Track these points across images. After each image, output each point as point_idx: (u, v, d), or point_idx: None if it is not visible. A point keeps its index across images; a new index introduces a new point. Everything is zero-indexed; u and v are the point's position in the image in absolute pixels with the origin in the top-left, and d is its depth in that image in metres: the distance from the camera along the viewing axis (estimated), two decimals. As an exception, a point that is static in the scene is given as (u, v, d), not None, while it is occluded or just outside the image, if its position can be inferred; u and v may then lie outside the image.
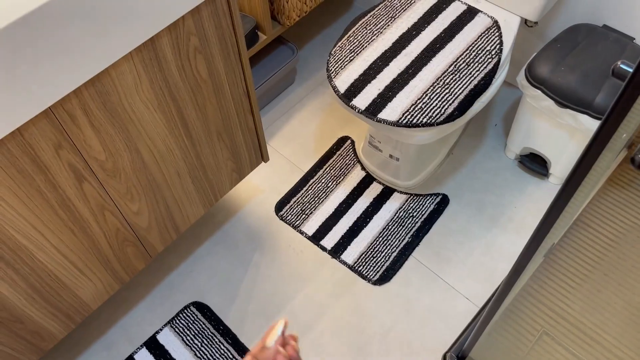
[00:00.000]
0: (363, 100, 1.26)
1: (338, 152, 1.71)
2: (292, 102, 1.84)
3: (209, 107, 1.13)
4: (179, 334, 1.40)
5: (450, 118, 1.24)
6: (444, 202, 1.59)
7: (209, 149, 1.21)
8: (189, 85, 1.05)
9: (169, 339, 1.39)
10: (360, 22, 1.41)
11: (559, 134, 1.45)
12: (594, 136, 0.61)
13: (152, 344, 1.39)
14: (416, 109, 1.23)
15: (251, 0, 1.57)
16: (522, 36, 1.68)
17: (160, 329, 1.41)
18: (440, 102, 1.24)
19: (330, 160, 1.69)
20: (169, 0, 0.88)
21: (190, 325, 1.41)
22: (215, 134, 1.20)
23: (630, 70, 0.56)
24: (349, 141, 1.73)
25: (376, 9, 1.44)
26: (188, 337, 1.40)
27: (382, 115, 1.23)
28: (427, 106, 1.24)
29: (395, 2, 1.45)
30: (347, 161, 1.69)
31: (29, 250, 0.96)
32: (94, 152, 0.95)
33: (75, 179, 0.95)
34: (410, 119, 1.22)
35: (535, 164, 1.61)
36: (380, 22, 1.40)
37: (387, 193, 1.61)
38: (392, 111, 1.23)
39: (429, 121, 1.22)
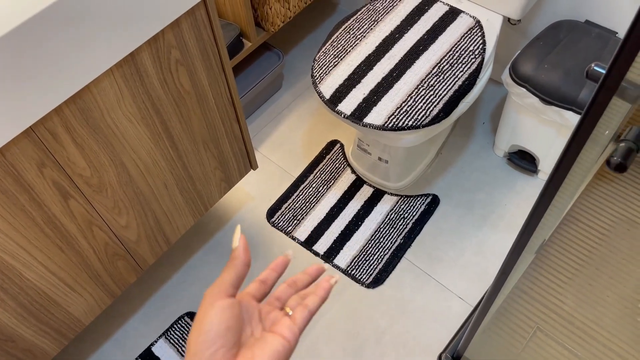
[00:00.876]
0: (348, 105, 1.26)
1: (328, 156, 1.71)
2: (280, 108, 1.84)
3: (194, 117, 1.13)
4: (174, 345, 1.40)
5: (436, 120, 1.24)
6: (434, 202, 1.60)
7: (195, 159, 1.21)
8: (172, 98, 1.05)
9: (164, 351, 1.39)
10: (344, 27, 1.41)
11: (546, 130, 1.46)
12: (571, 138, 0.61)
13: (148, 356, 1.39)
14: (401, 112, 1.24)
15: (234, 8, 1.57)
16: (505, 33, 1.68)
17: (155, 341, 1.41)
18: (425, 104, 1.24)
19: (320, 165, 1.69)
20: (147, 15, 0.88)
21: (185, 336, 1.41)
22: (202, 144, 1.20)
23: (603, 72, 0.57)
24: (338, 145, 1.73)
25: (359, 12, 1.45)
26: (183, 348, 1.39)
27: (368, 119, 1.23)
28: (412, 109, 1.24)
29: (377, 5, 1.46)
30: (337, 165, 1.69)
31: (17, 270, 0.96)
32: (79, 168, 0.95)
33: (60, 196, 0.95)
34: (396, 122, 1.22)
35: (524, 161, 1.61)
36: (363, 26, 1.41)
37: (377, 195, 1.62)
38: (377, 115, 1.23)
39: (414, 124, 1.22)
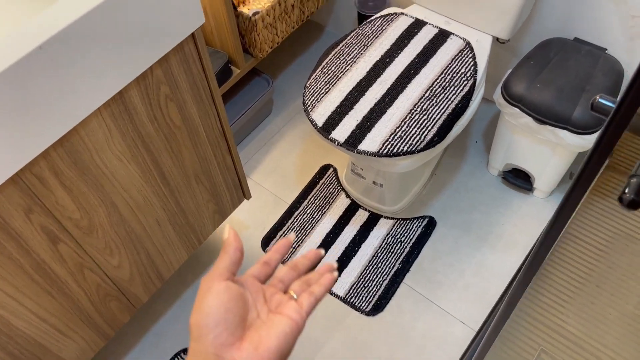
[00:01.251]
0: (342, 132, 1.24)
1: (321, 181, 1.69)
2: (271, 134, 1.82)
3: (185, 152, 1.10)
4: (170, 384, 1.35)
5: (431, 144, 1.22)
6: (431, 224, 1.58)
7: (188, 193, 1.18)
8: (163, 134, 1.02)
9: (160, 390, 1.35)
10: (333, 52, 1.40)
11: (541, 149, 1.45)
12: (581, 171, 0.60)
13: (143, 397, 1.34)
14: (396, 137, 1.22)
15: (222, 35, 1.55)
16: (494, 52, 1.68)
17: (151, 380, 1.36)
18: (419, 129, 1.23)
19: (314, 190, 1.67)
20: (135, 53, 0.85)
21: (182, 374, 1.37)
22: (194, 177, 1.17)
23: (612, 105, 0.55)
24: (332, 169, 1.71)
25: (348, 37, 1.43)
26: (180, 387, 1.35)
27: (362, 146, 1.21)
28: (407, 134, 1.22)
29: (366, 29, 1.45)
30: (330, 190, 1.67)
31: (5, 319, 0.92)
32: (68, 211, 0.92)
33: (49, 241, 0.91)
34: (391, 149, 1.20)
35: (519, 179, 1.60)
36: (353, 51, 1.39)
37: (373, 219, 1.59)
38: (371, 142, 1.22)
39: (409, 149, 1.21)
